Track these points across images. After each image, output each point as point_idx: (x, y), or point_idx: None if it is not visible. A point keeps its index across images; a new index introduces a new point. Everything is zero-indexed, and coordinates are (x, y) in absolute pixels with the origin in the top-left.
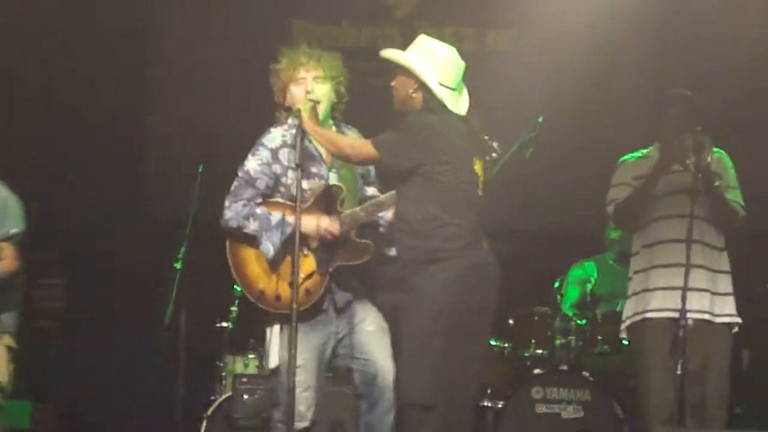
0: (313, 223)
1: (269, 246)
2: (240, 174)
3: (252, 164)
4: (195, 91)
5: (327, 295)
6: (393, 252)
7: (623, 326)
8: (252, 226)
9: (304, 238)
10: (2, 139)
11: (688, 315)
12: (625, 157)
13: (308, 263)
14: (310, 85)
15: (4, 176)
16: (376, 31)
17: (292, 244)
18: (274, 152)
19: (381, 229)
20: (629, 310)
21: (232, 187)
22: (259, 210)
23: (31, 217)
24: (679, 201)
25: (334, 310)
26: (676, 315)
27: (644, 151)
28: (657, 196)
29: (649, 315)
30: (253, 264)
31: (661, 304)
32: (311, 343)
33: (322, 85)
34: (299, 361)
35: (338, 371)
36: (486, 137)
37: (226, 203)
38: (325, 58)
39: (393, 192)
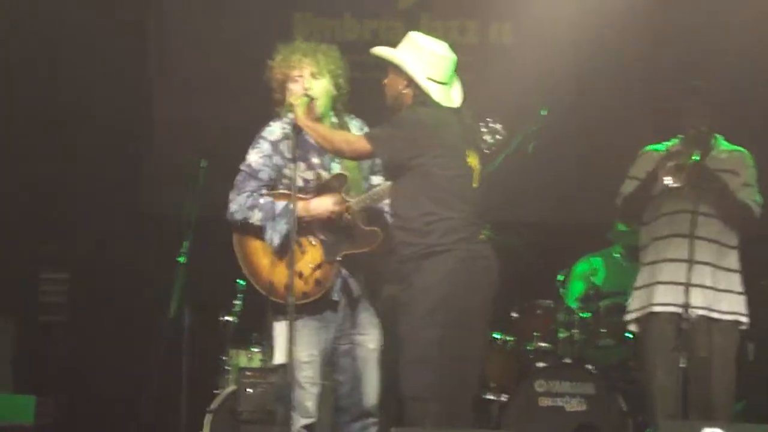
0: (326, 203)
1: (275, 235)
2: (242, 168)
3: (254, 157)
4: (197, 84)
5: (339, 285)
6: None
7: (629, 317)
8: (257, 216)
9: (312, 224)
10: (4, 134)
11: (692, 310)
12: (648, 147)
13: (316, 253)
14: (308, 82)
15: (5, 171)
16: (378, 23)
17: (301, 234)
18: (275, 144)
19: (387, 216)
20: (635, 303)
21: (236, 181)
22: (262, 200)
23: (35, 211)
24: (686, 197)
25: (347, 301)
26: (679, 310)
27: (668, 144)
28: (666, 192)
29: (654, 309)
30: (261, 256)
31: (664, 299)
32: (320, 339)
33: (320, 81)
34: (308, 357)
35: None
36: (488, 120)
37: (231, 197)
38: (321, 52)
39: None
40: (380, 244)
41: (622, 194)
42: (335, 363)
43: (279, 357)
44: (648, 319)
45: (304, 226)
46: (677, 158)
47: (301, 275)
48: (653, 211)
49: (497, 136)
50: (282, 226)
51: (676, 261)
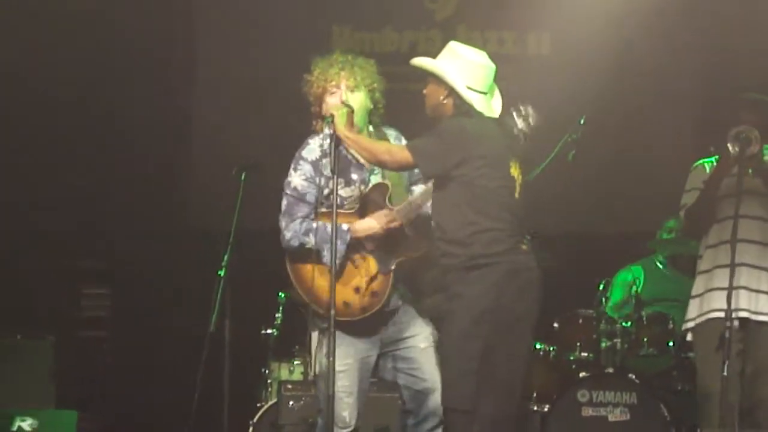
0: (370, 224)
1: (329, 257)
2: (288, 191)
3: (298, 180)
4: (237, 98)
5: (396, 295)
6: None
7: (685, 326)
8: (312, 241)
9: (363, 242)
10: (47, 151)
11: (752, 317)
12: (699, 161)
13: (370, 264)
14: (345, 95)
15: (49, 187)
16: (417, 35)
17: (352, 249)
18: (315, 164)
19: (432, 223)
20: (692, 312)
21: (284, 207)
22: (315, 224)
23: (76, 226)
24: (742, 201)
25: (382, 314)
26: (740, 315)
27: (718, 157)
28: (720, 197)
29: (712, 315)
30: (317, 277)
31: (723, 305)
32: (356, 348)
33: (357, 93)
34: (342, 367)
35: (383, 378)
36: (520, 106)
37: (282, 224)
38: (358, 66)
39: None
40: (429, 248)
41: (685, 206)
42: (391, 370)
43: (313, 368)
44: (703, 327)
45: (354, 242)
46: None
47: (357, 290)
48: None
49: (530, 120)
50: (338, 247)
51: (737, 266)
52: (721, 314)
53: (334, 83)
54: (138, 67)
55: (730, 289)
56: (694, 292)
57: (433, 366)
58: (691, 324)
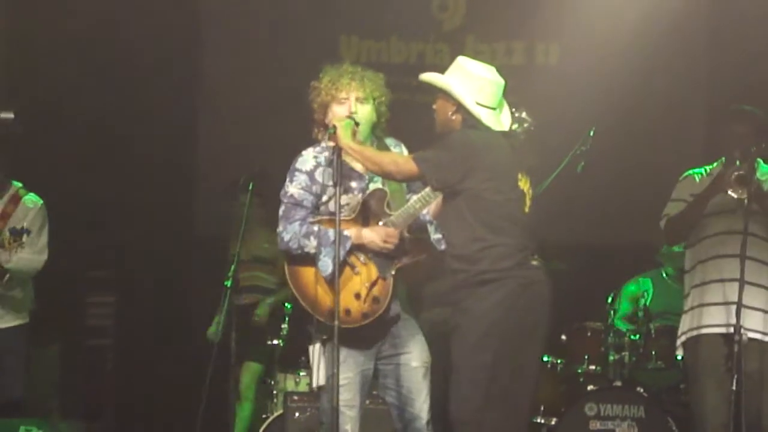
0: (374, 235)
1: (328, 262)
2: (284, 199)
3: (294, 189)
4: (244, 108)
5: (397, 301)
6: (443, 246)
7: (679, 342)
8: (312, 244)
9: (363, 250)
10: (55, 162)
11: (744, 332)
12: (689, 172)
13: (369, 271)
14: (353, 106)
15: (56, 195)
16: (425, 46)
17: (352, 255)
18: (310, 174)
19: (429, 227)
20: (685, 326)
21: (281, 213)
22: (316, 227)
23: (83, 236)
24: (733, 217)
25: (383, 322)
26: (730, 330)
27: (708, 167)
28: (712, 213)
29: (704, 331)
30: (319, 285)
31: (715, 320)
32: (357, 361)
33: (364, 106)
34: (344, 381)
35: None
36: (513, 110)
37: (280, 228)
38: (368, 78)
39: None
40: (430, 262)
41: (666, 216)
42: (382, 386)
43: (317, 380)
44: (697, 342)
45: (354, 247)
46: (739, 170)
47: (358, 296)
48: (697, 233)
49: (525, 125)
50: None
51: (727, 281)
52: (714, 329)
53: (343, 93)
54: (144, 75)
55: (739, 304)
56: (686, 307)
57: (421, 388)
58: (683, 338)
